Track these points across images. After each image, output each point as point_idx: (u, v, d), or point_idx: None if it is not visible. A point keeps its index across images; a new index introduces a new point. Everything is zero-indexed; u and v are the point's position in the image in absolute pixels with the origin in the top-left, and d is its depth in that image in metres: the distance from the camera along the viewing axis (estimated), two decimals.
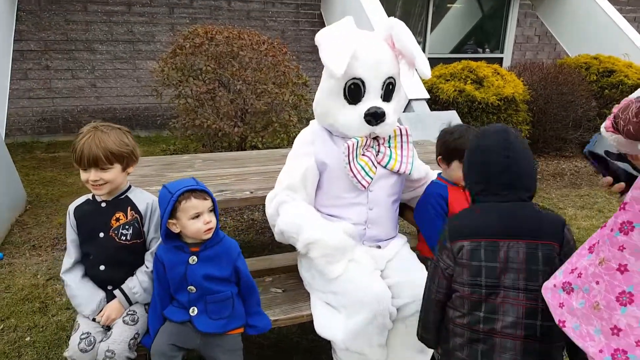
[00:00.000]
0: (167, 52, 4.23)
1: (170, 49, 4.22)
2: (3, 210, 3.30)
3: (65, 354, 1.57)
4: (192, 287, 1.63)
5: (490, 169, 1.29)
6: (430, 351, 1.81)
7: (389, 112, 1.76)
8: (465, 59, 6.00)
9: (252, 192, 2.16)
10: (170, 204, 1.55)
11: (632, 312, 0.93)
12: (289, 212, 1.80)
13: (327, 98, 1.82)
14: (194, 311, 1.64)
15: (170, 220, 1.59)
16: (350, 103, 1.78)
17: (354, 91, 1.76)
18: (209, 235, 1.62)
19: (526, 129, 4.87)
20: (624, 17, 6.62)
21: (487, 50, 8.50)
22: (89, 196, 1.70)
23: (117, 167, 1.63)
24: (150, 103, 6.14)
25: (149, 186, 2.21)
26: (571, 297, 1.07)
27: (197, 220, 1.57)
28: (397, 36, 1.76)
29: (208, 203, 1.60)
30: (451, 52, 8.19)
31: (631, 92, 5.33)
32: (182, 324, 1.64)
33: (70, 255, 1.68)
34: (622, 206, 0.98)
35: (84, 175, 1.60)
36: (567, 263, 1.14)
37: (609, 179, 1.16)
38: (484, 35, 8.55)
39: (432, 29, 7.90)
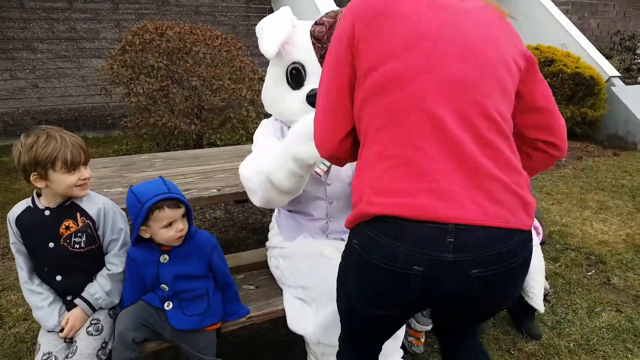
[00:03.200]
0: (115, 49, 4.08)
1: (118, 45, 4.08)
2: None
3: None
4: (164, 286, 1.61)
5: None
6: (401, 334, 1.87)
7: None
8: None
9: (219, 190, 2.13)
10: (142, 215, 1.51)
11: None
12: (270, 149, 1.68)
13: (272, 86, 1.88)
14: (168, 305, 1.62)
15: (142, 227, 1.56)
16: (293, 88, 1.83)
17: (295, 76, 1.81)
18: (180, 241, 1.61)
19: None
20: (559, 9, 7.00)
21: None
22: (29, 203, 1.58)
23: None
24: (97, 102, 5.89)
25: (108, 188, 2.15)
26: None
27: (169, 229, 1.55)
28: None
29: (181, 210, 1.56)
30: None
31: (570, 80, 5.66)
32: (156, 309, 1.63)
33: (22, 266, 1.59)
34: None
35: (69, 178, 1.52)
36: None
37: None
38: None
39: None
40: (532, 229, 1.14)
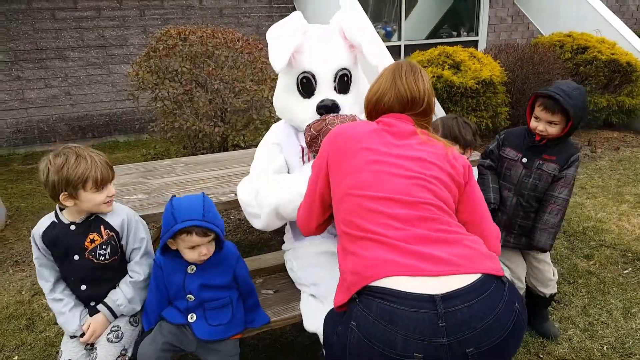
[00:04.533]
0: (141, 55, 4.16)
1: (143, 51, 4.16)
2: None
3: None
4: (190, 296, 1.64)
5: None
6: None
7: (343, 104, 1.77)
8: (441, 44, 6.01)
9: (236, 195, 2.14)
10: (171, 232, 1.54)
11: None
12: (278, 184, 1.75)
13: (283, 94, 1.87)
14: (192, 317, 1.64)
15: (170, 240, 1.60)
16: (304, 97, 1.81)
17: (305, 85, 1.79)
18: (204, 261, 1.63)
19: (505, 110, 4.91)
20: None
21: (464, 33, 8.53)
22: (53, 219, 1.63)
23: None
24: (127, 107, 6.05)
25: (129, 195, 2.18)
26: None
27: (193, 251, 1.58)
28: (346, 28, 1.79)
29: (209, 238, 1.58)
30: (427, 38, 8.20)
31: (605, 68, 5.41)
32: (179, 327, 1.64)
33: (46, 277, 1.64)
34: None
35: (98, 197, 1.57)
36: None
37: None
38: (459, 18, 8.56)
39: (406, 16, 7.89)
40: None
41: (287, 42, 1.71)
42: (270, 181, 1.78)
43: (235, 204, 2.15)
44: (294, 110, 1.83)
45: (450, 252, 1.20)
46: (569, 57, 5.58)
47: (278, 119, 4.00)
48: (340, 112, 1.77)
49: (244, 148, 3.75)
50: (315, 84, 1.78)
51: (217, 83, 3.88)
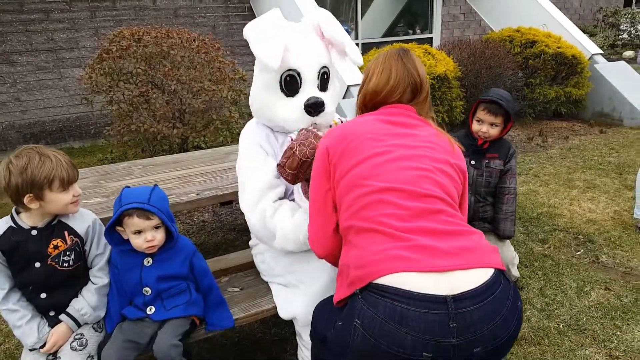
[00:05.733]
0: (94, 57, 4.04)
1: (96, 54, 4.04)
2: None
3: None
4: (147, 289, 1.63)
5: None
6: None
7: (327, 101, 1.77)
8: (397, 41, 6.13)
9: (198, 194, 2.13)
10: (115, 216, 1.55)
11: None
12: (287, 231, 1.69)
13: (263, 92, 1.79)
14: (150, 310, 1.65)
15: (119, 227, 1.60)
16: (287, 95, 1.76)
17: (290, 83, 1.75)
18: (152, 251, 1.62)
19: (460, 104, 5.06)
20: None
21: (418, 31, 8.72)
22: (10, 223, 1.55)
23: None
24: (81, 112, 5.84)
25: (86, 199, 2.13)
26: None
27: (138, 236, 1.58)
28: (324, 26, 1.79)
29: (152, 222, 1.57)
30: (383, 36, 8.34)
31: (552, 60, 5.66)
32: (138, 320, 1.64)
33: (1, 286, 1.55)
34: None
35: (65, 197, 1.51)
36: None
37: None
38: (413, 16, 8.75)
39: (362, 15, 8.00)
40: None
41: (278, 39, 1.66)
42: (279, 219, 1.71)
43: (196, 204, 2.13)
44: (275, 110, 1.77)
45: (459, 245, 1.18)
46: (519, 51, 5.80)
47: (238, 119, 4.01)
48: (325, 109, 1.74)
49: (206, 149, 3.70)
50: (300, 82, 1.75)
51: (174, 84, 3.82)
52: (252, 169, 1.77)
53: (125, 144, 4.19)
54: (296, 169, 1.58)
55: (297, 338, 1.82)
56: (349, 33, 8.24)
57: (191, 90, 3.87)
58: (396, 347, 1.09)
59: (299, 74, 1.74)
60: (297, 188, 1.73)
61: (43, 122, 5.83)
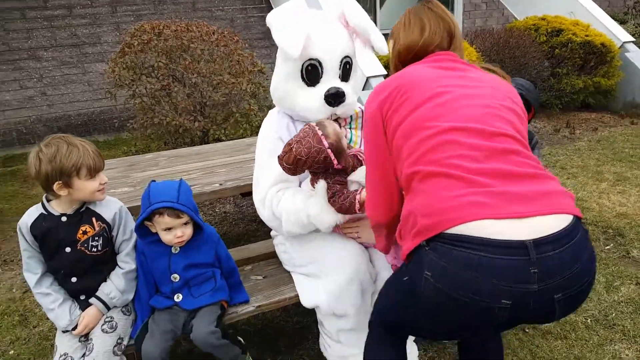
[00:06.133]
0: (116, 52, 4.09)
1: (117, 48, 4.09)
2: None
3: None
4: (175, 276, 1.67)
5: None
6: None
7: (348, 91, 1.74)
8: None
9: (221, 184, 2.14)
10: (145, 214, 1.59)
11: None
12: (290, 212, 1.70)
13: (284, 81, 1.78)
14: (178, 297, 1.69)
15: (147, 222, 1.63)
16: (308, 85, 1.75)
17: (311, 72, 1.73)
18: (182, 245, 1.67)
19: None
20: None
21: None
22: (41, 210, 1.60)
23: None
24: (105, 106, 5.93)
25: (114, 189, 2.17)
26: None
27: (168, 233, 1.62)
28: (349, 14, 1.76)
29: (182, 220, 1.61)
30: None
31: (580, 49, 5.50)
32: (168, 309, 1.68)
33: (33, 269, 1.61)
34: None
35: (92, 184, 1.56)
36: None
37: None
38: None
39: (381, 4, 7.91)
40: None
41: (300, 27, 1.64)
42: (283, 203, 1.72)
43: (219, 194, 2.15)
44: (296, 99, 1.76)
45: (537, 190, 1.09)
46: (544, 40, 5.66)
47: (257, 112, 4.02)
48: (346, 100, 1.72)
49: (226, 141, 3.72)
50: (322, 72, 1.73)
51: (194, 77, 3.84)
52: (265, 162, 1.79)
53: (149, 137, 4.25)
54: (293, 164, 1.57)
55: (319, 326, 1.83)
56: None
57: (211, 84, 3.89)
58: (473, 294, 1.03)
59: (320, 63, 1.72)
60: (307, 181, 1.73)
61: (69, 115, 5.95)
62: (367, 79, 4.97)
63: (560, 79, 5.58)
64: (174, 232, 1.61)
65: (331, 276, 1.71)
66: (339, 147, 1.58)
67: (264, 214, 1.80)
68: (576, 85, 5.57)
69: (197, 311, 1.68)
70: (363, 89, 4.98)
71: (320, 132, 1.57)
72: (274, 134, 1.82)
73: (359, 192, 1.58)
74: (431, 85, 1.24)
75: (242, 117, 3.96)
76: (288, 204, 1.70)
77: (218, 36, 4.09)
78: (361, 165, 1.67)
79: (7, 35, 5.49)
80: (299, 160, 1.55)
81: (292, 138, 1.60)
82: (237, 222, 3.41)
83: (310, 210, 1.63)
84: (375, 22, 7.89)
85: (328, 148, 1.55)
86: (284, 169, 1.62)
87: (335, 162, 1.57)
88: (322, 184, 1.62)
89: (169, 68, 3.92)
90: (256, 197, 1.82)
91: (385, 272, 1.75)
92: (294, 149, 1.55)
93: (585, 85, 5.61)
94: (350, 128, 1.88)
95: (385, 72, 5.00)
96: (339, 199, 1.59)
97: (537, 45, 5.50)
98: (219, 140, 3.86)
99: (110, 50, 5.75)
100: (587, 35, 5.55)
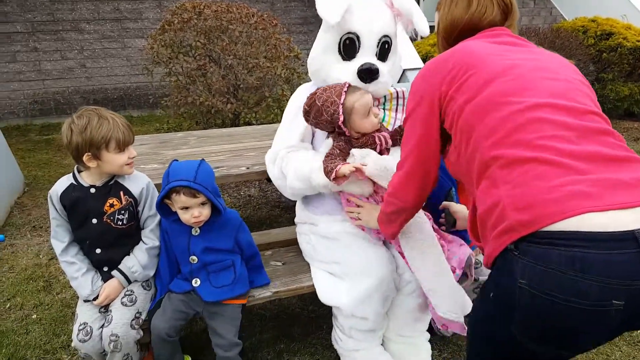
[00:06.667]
0: (156, 29, 4.14)
1: (158, 25, 4.13)
2: (2, 193, 3.28)
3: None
4: (194, 257, 1.69)
5: None
6: (428, 317, 1.83)
7: (383, 71, 1.73)
8: None
9: (248, 168, 2.15)
10: (164, 191, 1.60)
11: None
12: (296, 165, 1.75)
13: (322, 54, 1.81)
14: (196, 282, 1.69)
15: (167, 200, 1.65)
16: (344, 59, 1.77)
17: (348, 46, 1.75)
18: (199, 225, 1.67)
19: None
20: None
21: None
22: (72, 180, 1.65)
23: None
24: (141, 82, 6.04)
25: (144, 164, 2.21)
26: None
27: (185, 212, 1.63)
28: None
29: (199, 200, 1.61)
30: None
31: (630, 55, 5.26)
32: (186, 293, 1.70)
33: (60, 237, 1.65)
34: None
35: (121, 158, 1.59)
36: None
37: None
38: None
39: None
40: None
41: None
42: (292, 159, 1.77)
43: (245, 177, 2.16)
44: (330, 72, 1.78)
45: (636, 176, 0.95)
46: (592, 43, 5.43)
47: (289, 98, 4.01)
48: (379, 78, 1.72)
49: (256, 125, 3.74)
50: (359, 47, 1.74)
51: (230, 59, 3.85)
52: (285, 127, 1.86)
53: (181, 116, 4.30)
54: (309, 106, 1.66)
55: (332, 319, 1.82)
56: None
57: (246, 66, 3.89)
58: (578, 298, 0.89)
59: (358, 37, 1.73)
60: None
61: (106, 89, 6.09)
62: (404, 71, 4.90)
63: (605, 85, 5.36)
64: (191, 211, 1.61)
65: (356, 280, 1.69)
66: (353, 111, 1.62)
67: (272, 171, 1.86)
68: (621, 92, 5.34)
69: (215, 306, 1.68)
70: (399, 81, 4.91)
71: (344, 90, 1.62)
72: (300, 104, 1.82)
73: (342, 164, 1.57)
74: (499, 59, 1.10)
75: (274, 102, 3.96)
76: (295, 158, 1.76)
77: (257, 19, 4.08)
78: (374, 148, 1.66)
79: (53, 5, 5.63)
80: (314, 105, 1.63)
81: (321, 87, 1.69)
82: (261, 207, 3.44)
83: (314, 164, 1.67)
84: None
85: (341, 104, 1.60)
86: (302, 110, 1.70)
87: (340, 119, 1.60)
88: (327, 141, 1.69)
89: (206, 48, 3.94)
90: (268, 156, 1.89)
91: (408, 273, 1.73)
92: (317, 92, 1.65)
93: (631, 93, 5.38)
94: (383, 108, 1.86)
95: (423, 65, 4.91)
96: (327, 160, 1.62)
97: (584, 48, 5.28)
98: (249, 124, 3.88)
99: (150, 27, 5.83)
100: (639, 41, 5.29)
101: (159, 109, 5.30)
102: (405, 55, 4.94)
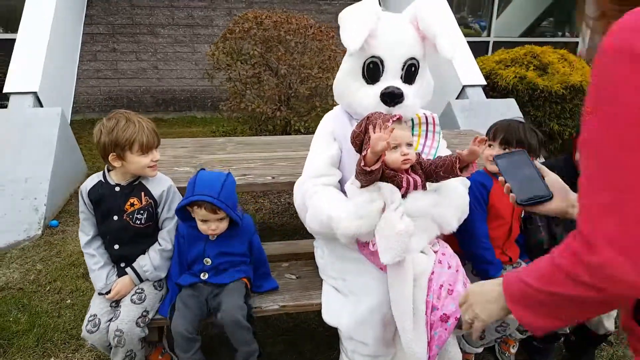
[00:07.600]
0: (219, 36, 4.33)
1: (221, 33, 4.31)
2: (64, 181, 3.55)
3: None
4: (208, 260, 1.75)
5: None
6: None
7: (408, 94, 1.68)
8: (534, 43, 5.51)
9: (274, 178, 2.17)
10: (187, 201, 1.66)
11: None
12: (316, 206, 1.70)
13: (346, 77, 1.79)
14: (204, 275, 1.75)
15: (189, 207, 1.70)
16: (368, 83, 1.73)
17: (372, 70, 1.71)
18: (214, 236, 1.73)
19: None
20: None
21: (567, 34, 7.86)
22: (100, 178, 1.75)
23: None
24: (206, 85, 6.31)
25: (178, 167, 2.29)
26: None
27: (204, 223, 1.68)
28: (420, 17, 1.69)
29: (219, 215, 1.67)
30: (521, 36, 7.68)
31: None
32: (193, 285, 1.75)
33: (86, 231, 1.76)
34: None
35: (143, 160, 1.68)
36: None
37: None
38: (558, 18, 7.92)
39: (499, 10, 7.44)
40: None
41: (363, 24, 1.65)
42: (315, 200, 1.71)
43: (270, 187, 2.19)
44: (354, 95, 1.75)
45: None
46: None
47: None
48: (404, 101, 1.68)
49: (304, 134, 3.77)
50: (382, 71, 1.71)
51: (284, 68, 3.92)
52: (314, 153, 1.83)
53: (236, 120, 4.45)
54: (358, 128, 1.60)
55: (339, 343, 1.78)
56: (482, 30, 7.74)
57: (299, 76, 3.95)
58: None
59: (382, 61, 1.69)
60: (350, 181, 1.67)
61: (174, 90, 6.43)
62: (464, 87, 4.74)
63: None
64: (209, 224, 1.67)
65: (357, 300, 1.66)
66: (363, 139, 1.57)
67: (297, 199, 1.84)
68: None
69: (222, 287, 1.73)
70: (458, 97, 4.75)
71: (393, 119, 1.55)
72: (329, 129, 1.84)
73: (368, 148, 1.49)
74: None
75: (323, 112, 3.96)
76: (317, 197, 1.71)
77: (315, 30, 4.14)
78: (399, 187, 1.57)
79: (132, 10, 6.06)
80: (354, 132, 1.61)
81: (372, 114, 1.63)
82: (297, 215, 3.44)
83: (332, 212, 1.61)
84: (489, 30, 7.46)
85: (352, 132, 1.60)
86: (353, 132, 1.64)
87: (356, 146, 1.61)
88: (350, 187, 1.63)
89: (263, 57, 4.05)
90: (297, 181, 1.88)
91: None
92: (371, 118, 1.59)
93: None
94: (412, 134, 1.79)
95: (484, 82, 4.72)
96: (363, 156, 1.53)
97: None
98: (298, 132, 3.92)
99: (219, 34, 6.08)
100: None
101: (217, 113, 5.52)
102: (466, 71, 4.77)
